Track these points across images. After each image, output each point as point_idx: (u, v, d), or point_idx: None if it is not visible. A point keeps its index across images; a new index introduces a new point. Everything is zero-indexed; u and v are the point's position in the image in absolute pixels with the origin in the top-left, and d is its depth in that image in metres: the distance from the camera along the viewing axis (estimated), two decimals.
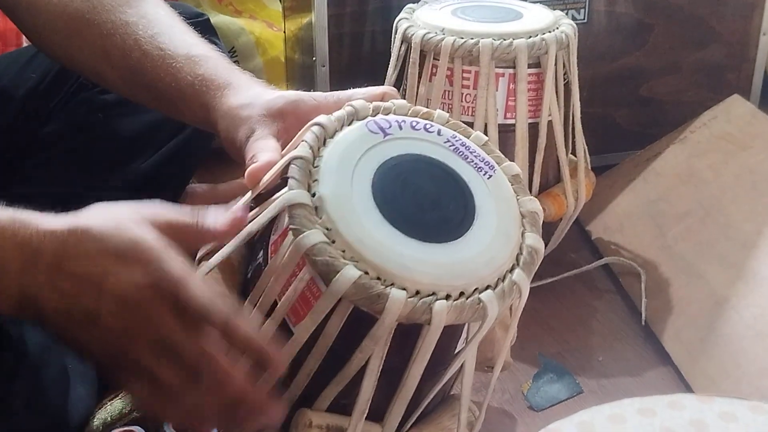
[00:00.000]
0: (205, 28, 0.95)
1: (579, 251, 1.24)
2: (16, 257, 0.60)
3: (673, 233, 1.17)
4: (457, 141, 0.74)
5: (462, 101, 1.05)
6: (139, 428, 0.82)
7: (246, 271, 0.78)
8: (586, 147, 1.14)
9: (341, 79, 1.26)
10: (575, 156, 1.13)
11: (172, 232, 0.64)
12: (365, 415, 0.71)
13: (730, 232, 1.12)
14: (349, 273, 0.64)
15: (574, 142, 1.12)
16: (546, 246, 1.13)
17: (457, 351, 0.74)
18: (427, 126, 0.74)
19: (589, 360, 1.05)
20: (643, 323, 1.10)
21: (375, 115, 0.74)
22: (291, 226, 0.66)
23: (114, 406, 0.90)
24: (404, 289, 0.64)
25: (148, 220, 0.63)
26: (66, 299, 0.60)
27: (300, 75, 1.39)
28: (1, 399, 0.76)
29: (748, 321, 1.01)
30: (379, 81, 1.00)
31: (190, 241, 0.66)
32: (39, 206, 0.63)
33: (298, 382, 0.71)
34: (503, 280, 0.68)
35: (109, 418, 0.88)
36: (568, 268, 1.18)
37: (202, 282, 0.63)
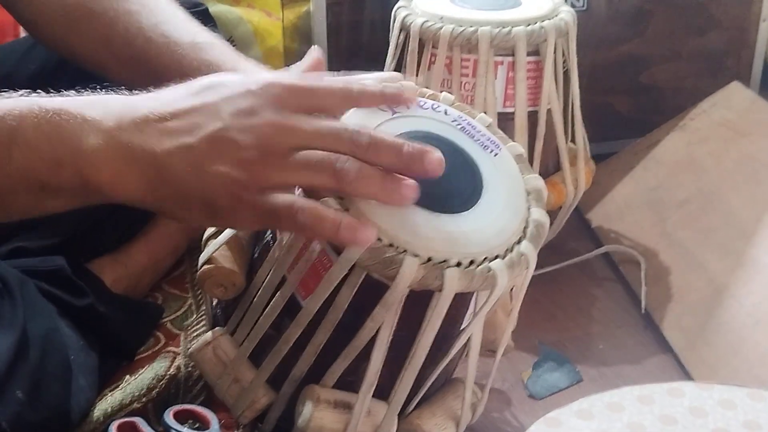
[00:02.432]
0: (204, 18, 0.95)
1: (579, 240, 1.24)
2: (113, 116, 0.63)
3: (673, 221, 1.18)
4: (463, 120, 0.77)
5: (461, 90, 1.05)
6: (140, 419, 0.82)
7: (253, 251, 0.79)
8: (585, 135, 1.14)
9: (340, 68, 1.26)
10: (575, 144, 1.13)
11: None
12: (373, 389, 0.72)
13: (730, 220, 1.13)
14: None
15: (573, 130, 1.13)
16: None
17: (463, 327, 0.75)
18: (435, 106, 0.77)
19: (589, 348, 1.05)
20: (643, 311, 1.10)
21: None
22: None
23: (115, 397, 0.91)
24: (417, 255, 0.66)
25: None
26: (180, 134, 0.62)
27: None
28: (3, 390, 0.77)
29: (747, 309, 1.01)
30: (378, 70, 0.99)
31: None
32: None
33: (306, 357, 0.73)
34: (511, 251, 0.70)
35: (109, 410, 0.89)
36: (568, 256, 1.19)
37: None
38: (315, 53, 0.73)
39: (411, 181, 0.65)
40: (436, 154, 0.65)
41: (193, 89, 0.65)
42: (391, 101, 0.70)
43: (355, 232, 0.63)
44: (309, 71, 0.72)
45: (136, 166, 0.62)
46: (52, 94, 0.65)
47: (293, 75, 0.66)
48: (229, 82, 0.65)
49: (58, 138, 0.62)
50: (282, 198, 0.62)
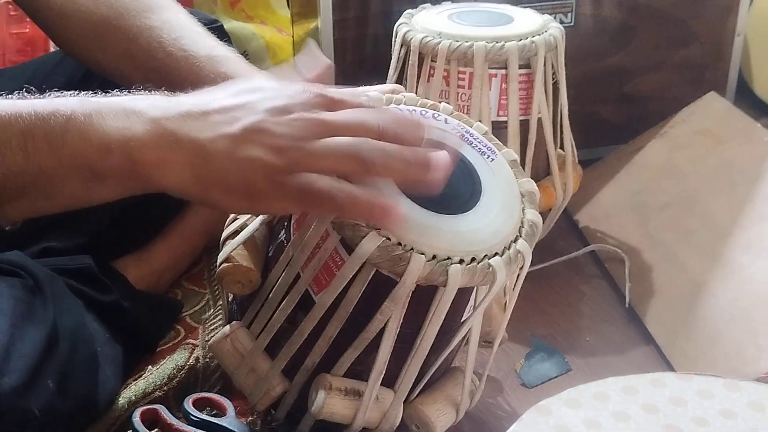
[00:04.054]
0: (219, 34, 0.96)
1: (567, 239, 1.24)
2: (158, 108, 0.64)
3: (655, 223, 1.18)
4: (462, 129, 0.77)
5: (458, 100, 1.05)
6: (162, 406, 0.82)
7: (268, 251, 0.79)
8: (573, 142, 1.14)
9: (346, 80, 1.26)
10: (563, 150, 1.13)
11: None
12: (381, 378, 0.73)
13: (707, 222, 1.13)
14: (373, 238, 0.66)
15: (562, 138, 1.13)
16: None
17: (463, 320, 0.75)
18: (435, 115, 0.77)
19: (578, 340, 1.05)
20: (627, 306, 1.10)
21: (388, 105, 0.76)
22: None
23: (138, 386, 0.91)
24: (423, 253, 0.67)
25: None
26: (222, 125, 0.63)
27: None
28: (36, 380, 0.77)
29: (723, 305, 1.01)
30: (381, 82, 1.00)
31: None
32: None
33: (319, 348, 0.74)
34: (509, 249, 0.71)
35: (133, 397, 0.89)
36: (557, 255, 1.19)
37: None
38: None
39: (442, 153, 0.66)
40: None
41: (231, 91, 0.67)
42: (407, 127, 0.69)
43: (388, 210, 0.65)
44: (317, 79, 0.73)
45: (182, 152, 0.63)
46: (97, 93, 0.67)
47: (321, 87, 0.68)
48: (266, 86, 0.67)
49: (108, 125, 0.63)
50: (321, 180, 0.64)
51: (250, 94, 0.66)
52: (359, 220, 0.67)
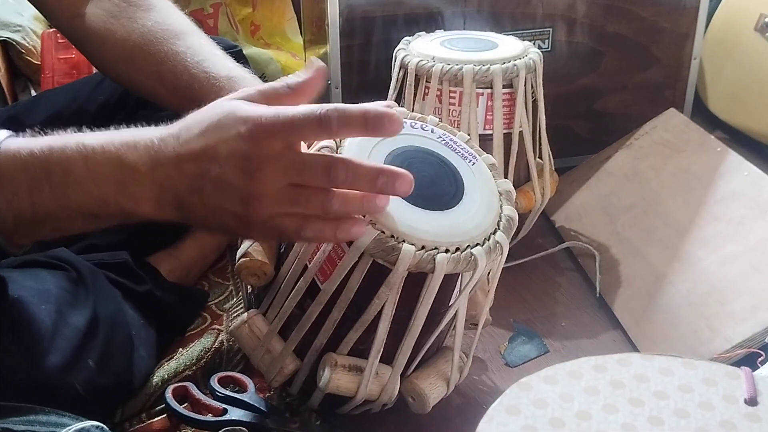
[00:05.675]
0: (237, 57, 0.95)
1: (545, 237, 1.24)
2: (145, 161, 0.62)
3: (622, 222, 1.17)
4: (446, 137, 0.77)
5: (449, 116, 1.05)
6: (191, 384, 0.82)
7: (280, 246, 0.79)
8: (550, 152, 1.14)
9: (351, 99, 1.26)
10: (542, 159, 1.13)
11: (265, 98, 0.65)
12: (380, 355, 0.73)
13: (667, 221, 1.12)
14: (370, 232, 0.66)
15: (540, 148, 1.12)
16: (518, 233, 1.15)
17: (451, 303, 0.75)
18: (423, 126, 0.77)
19: (554, 325, 1.05)
20: (597, 295, 1.10)
21: None
22: None
23: (170, 366, 0.90)
24: (413, 244, 0.66)
25: (239, 97, 0.65)
26: (194, 178, 0.62)
27: (317, 95, 1.38)
28: (78, 359, 0.77)
29: (681, 293, 1.01)
30: (382, 99, 1.00)
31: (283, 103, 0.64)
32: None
33: (325, 330, 0.73)
34: (488, 240, 0.71)
35: (166, 376, 0.89)
36: (536, 251, 1.18)
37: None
38: (317, 66, 0.68)
39: (383, 197, 0.64)
40: (408, 178, 0.62)
41: (201, 129, 0.63)
42: (373, 125, 0.61)
43: (350, 230, 0.64)
44: (311, 82, 0.68)
45: (166, 200, 0.64)
46: (94, 129, 0.65)
47: (274, 112, 0.62)
48: (225, 124, 0.62)
49: (102, 179, 0.63)
50: (288, 220, 0.63)
51: (212, 133, 0.62)
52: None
